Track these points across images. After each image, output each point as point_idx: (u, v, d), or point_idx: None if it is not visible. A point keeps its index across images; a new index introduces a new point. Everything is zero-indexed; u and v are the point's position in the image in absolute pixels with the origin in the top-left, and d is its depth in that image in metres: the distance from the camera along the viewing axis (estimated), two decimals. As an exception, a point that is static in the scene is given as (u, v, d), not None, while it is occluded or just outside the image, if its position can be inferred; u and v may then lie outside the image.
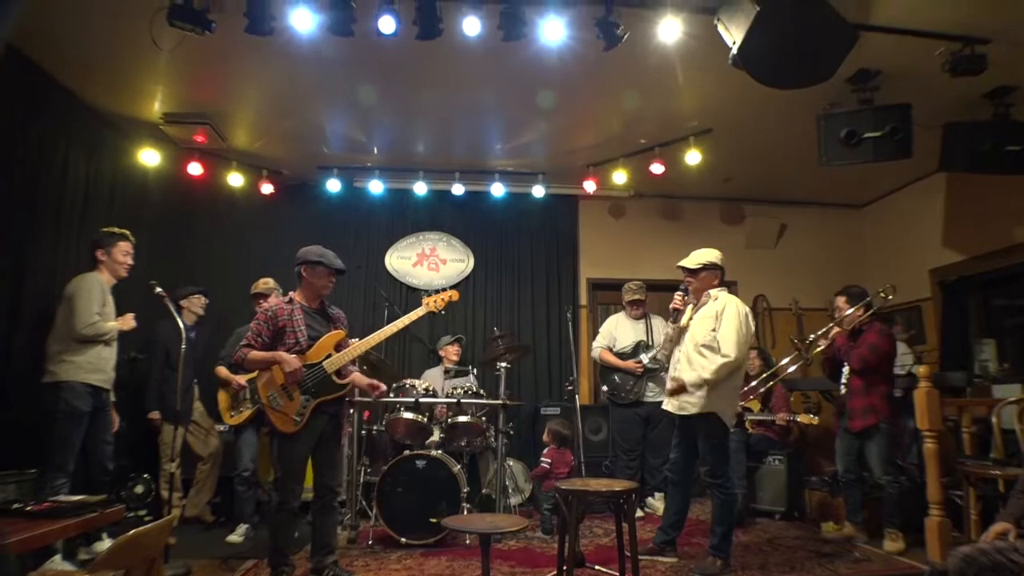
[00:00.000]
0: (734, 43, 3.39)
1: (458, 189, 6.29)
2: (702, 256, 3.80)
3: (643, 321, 5.41)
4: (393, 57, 4.19)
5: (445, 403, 4.72)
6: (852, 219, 7.32)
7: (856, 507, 4.38)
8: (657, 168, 5.65)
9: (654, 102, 4.84)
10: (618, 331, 5.40)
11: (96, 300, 3.75)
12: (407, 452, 4.43)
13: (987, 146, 4.34)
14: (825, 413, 5.92)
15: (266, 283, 4.79)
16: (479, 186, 6.37)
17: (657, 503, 5.13)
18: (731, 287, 6.42)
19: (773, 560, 3.88)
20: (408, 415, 4.58)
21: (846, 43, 3.49)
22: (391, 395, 4.78)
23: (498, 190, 6.35)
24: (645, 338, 5.31)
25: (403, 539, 4.15)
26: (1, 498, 3.25)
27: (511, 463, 5.28)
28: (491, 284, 6.78)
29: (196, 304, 4.88)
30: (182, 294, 4.82)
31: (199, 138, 5.21)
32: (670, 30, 3.74)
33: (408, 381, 4.79)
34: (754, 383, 5.13)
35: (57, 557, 3.37)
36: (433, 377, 5.41)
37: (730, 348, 3.54)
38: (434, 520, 4.09)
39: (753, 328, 3.74)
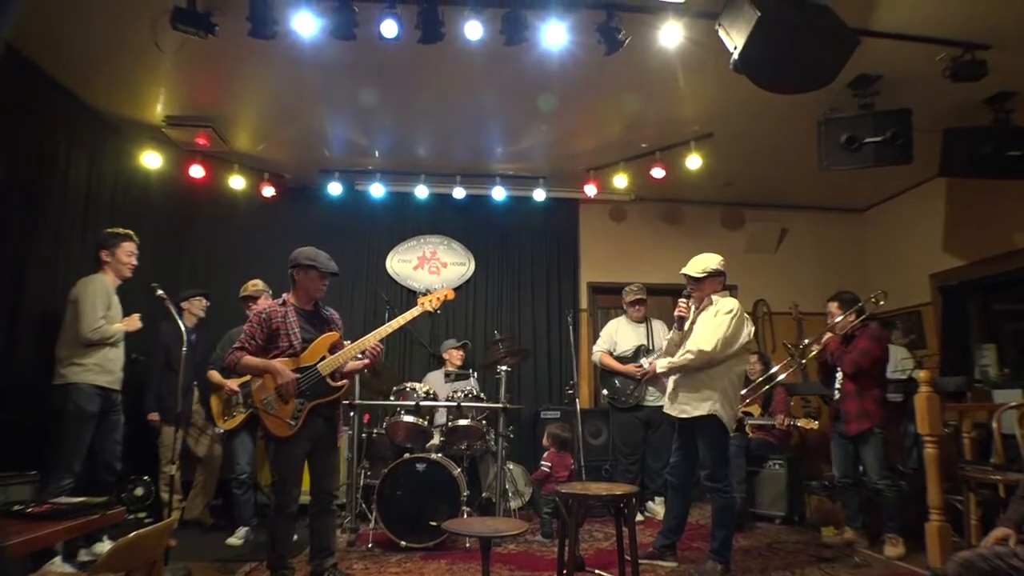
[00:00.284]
0: (735, 48, 3.40)
1: (459, 192, 6.30)
2: (705, 263, 3.79)
3: (644, 325, 5.41)
4: (395, 61, 4.20)
5: (445, 406, 4.72)
6: (853, 224, 7.33)
7: (855, 511, 4.38)
8: (658, 172, 5.66)
9: (655, 106, 4.85)
10: (619, 335, 5.40)
11: (100, 303, 3.76)
12: (407, 455, 4.43)
13: (987, 151, 4.35)
14: (825, 417, 5.90)
15: (255, 285, 4.74)
16: (480, 190, 6.38)
17: (657, 507, 5.12)
18: (731, 291, 6.45)
19: (773, 564, 3.88)
20: (408, 418, 4.58)
21: (847, 49, 3.49)
22: (392, 398, 4.80)
23: (499, 194, 6.35)
24: (646, 342, 5.31)
25: (403, 542, 4.14)
26: (2, 500, 3.25)
27: (511, 467, 5.28)
28: (492, 287, 6.79)
29: (197, 306, 4.89)
30: (183, 296, 4.83)
31: (201, 141, 5.22)
32: (671, 35, 3.75)
33: (409, 384, 4.79)
34: (748, 388, 5.13)
35: (57, 559, 3.37)
36: (434, 380, 5.41)
37: (705, 341, 3.55)
38: (434, 523, 4.08)
39: (752, 330, 3.74)
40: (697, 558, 3.91)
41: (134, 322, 3.94)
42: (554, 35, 3.71)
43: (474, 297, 6.74)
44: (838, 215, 7.29)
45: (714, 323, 3.61)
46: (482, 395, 4.91)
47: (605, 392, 5.40)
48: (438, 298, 3.75)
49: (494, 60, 4.09)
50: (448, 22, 3.62)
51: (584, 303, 6.90)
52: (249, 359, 3.28)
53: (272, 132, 5.46)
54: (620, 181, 6.00)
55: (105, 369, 3.77)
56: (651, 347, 5.25)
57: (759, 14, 3.17)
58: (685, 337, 3.81)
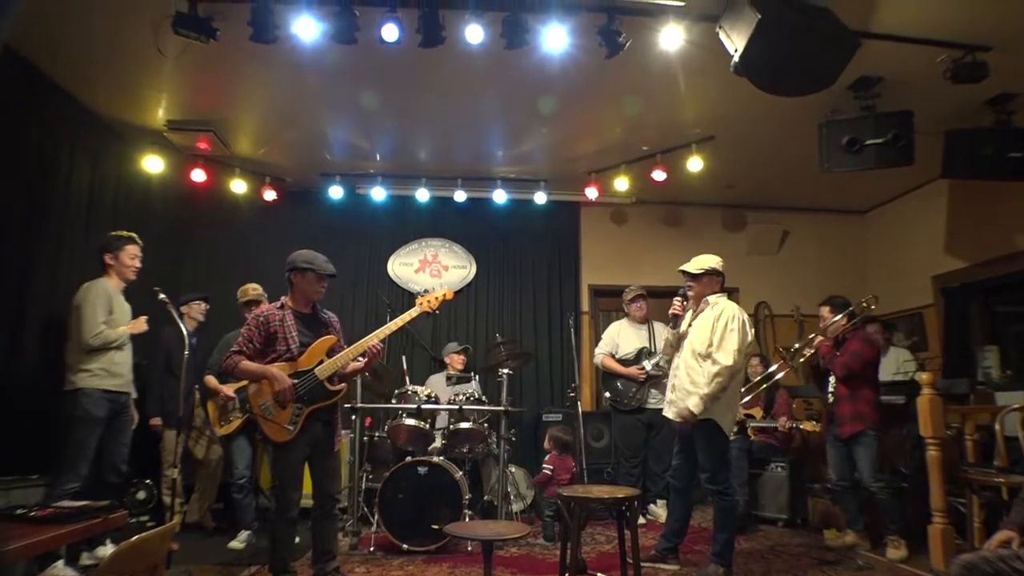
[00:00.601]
0: (736, 51, 3.40)
1: (460, 196, 6.30)
2: (704, 262, 3.81)
3: (645, 327, 5.41)
4: (396, 65, 4.21)
5: (447, 410, 4.72)
6: (854, 225, 7.32)
7: (854, 514, 4.37)
8: (659, 175, 5.66)
9: (656, 109, 4.85)
10: (621, 337, 5.40)
11: (101, 309, 3.77)
12: (409, 458, 4.43)
13: (989, 153, 4.35)
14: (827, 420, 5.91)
15: (255, 290, 4.71)
16: (481, 193, 6.39)
17: (659, 510, 5.11)
18: (733, 293, 6.43)
19: (775, 567, 3.87)
20: (410, 421, 4.58)
21: (848, 51, 3.49)
22: (393, 401, 4.80)
23: (500, 197, 6.36)
24: (648, 344, 5.31)
25: (405, 545, 4.13)
26: (5, 503, 3.26)
27: (513, 469, 5.27)
28: (493, 290, 6.80)
29: (196, 310, 4.88)
30: (182, 300, 4.82)
31: (202, 145, 5.24)
32: (672, 38, 3.76)
33: (410, 387, 4.79)
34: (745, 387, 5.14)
35: (60, 562, 3.37)
36: (436, 383, 5.41)
37: (727, 356, 3.53)
38: (436, 527, 4.08)
39: (752, 334, 3.74)
40: (699, 561, 3.90)
41: (139, 325, 3.95)
42: (555, 38, 3.71)
43: (475, 300, 6.74)
44: (840, 217, 7.29)
45: (724, 333, 3.58)
46: (484, 398, 4.90)
47: (607, 394, 5.39)
48: (436, 298, 3.72)
49: (495, 64, 4.10)
50: (449, 26, 3.62)
51: (585, 306, 6.90)
52: (246, 364, 3.25)
53: (273, 136, 5.47)
54: (621, 184, 6.01)
55: (112, 373, 3.78)
56: (653, 349, 5.25)
57: (760, 16, 3.17)
58: (682, 338, 3.82)
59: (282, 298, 3.44)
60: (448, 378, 5.56)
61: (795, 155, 5.48)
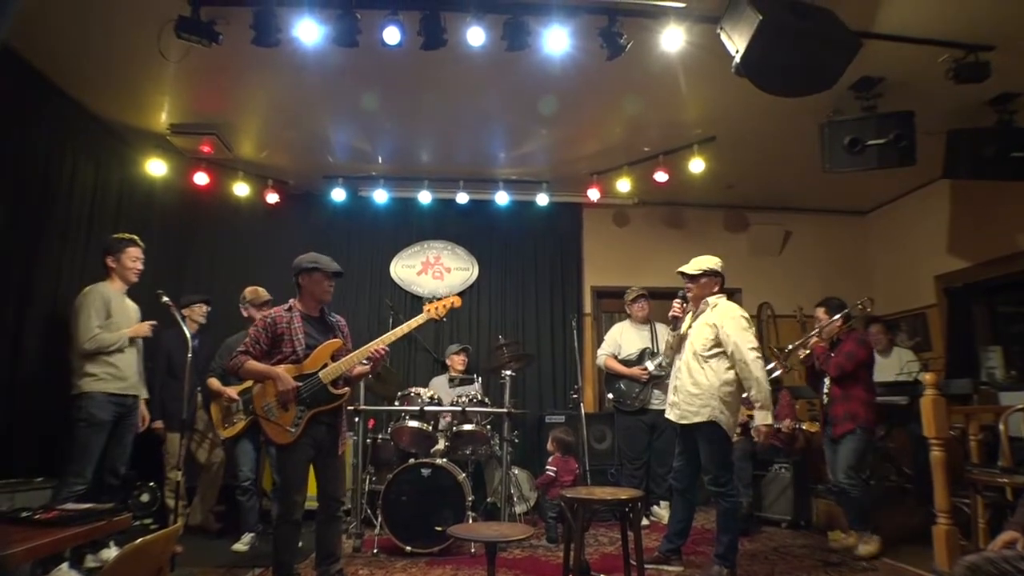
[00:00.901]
0: (737, 52, 3.40)
1: (462, 198, 6.30)
2: (702, 262, 3.81)
3: (648, 328, 5.41)
4: (398, 67, 4.22)
5: (450, 411, 4.72)
6: (856, 226, 7.32)
7: (855, 516, 4.36)
8: (661, 176, 5.66)
9: (657, 111, 4.86)
10: (623, 338, 5.39)
11: (96, 314, 3.77)
12: (412, 460, 4.43)
13: (991, 153, 4.35)
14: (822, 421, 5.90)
15: (261, 292, 4.70)
16: (483, 195, 6.39)
17: (662, 511, 5.11)
18: (735, 294, 6.43)
19: (779, 569, 3.86)
20: (413, 423, 4.58)
21: (849, 52, 3.49)
22: (396, 404, 4.80)
23: (502, 198, 6.36)
24: (650, 345, 5.30)
25: (408, 547, 4.14)
26: (9, 506, 3.27)
27: (516, 471, 5.27)
28: (495, 292, 6.80)
29: (198, 313, 4.89)
30: (184, 303, 4.82)
31: (205, 148, 5.25)
32: (673, 39, 3.76)
33: (413, 390, 4.80)
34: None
35: (64, 565, 3.38)
36: (439, 386, 5.42)
37: (756, 367, 3.54)
38: (439, 528, 4.08)
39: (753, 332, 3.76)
40: (703, 562, 3.89)
41: (143, 329, 3.95)
42: (556, 40, 3.72)
43: (478, 302, 6.74)
44: (842, 217, 7.28)
45: (740, 333, 3.60)
46: (486, 400, 4.90)
47: (610, 396, 5.38)
48: (444, 305, 3.73)
49: (496, 66, 4.11)
50: (450, 28, 3.63)
51: (588, 307, 6.90)
52: (251, 364, 3.26)
53: (276, 139, 5.48)
54: (623, 185, 6.01)
55: (116, 376, 3.79)
56: (656, 350, 5.24)
57: (760, 18, 3.17)
58: (682, 339, 3.82)
59: (291, 300, 3.44)
60: (451, 380, 5.56)
61: (797, 156, 5.48)
